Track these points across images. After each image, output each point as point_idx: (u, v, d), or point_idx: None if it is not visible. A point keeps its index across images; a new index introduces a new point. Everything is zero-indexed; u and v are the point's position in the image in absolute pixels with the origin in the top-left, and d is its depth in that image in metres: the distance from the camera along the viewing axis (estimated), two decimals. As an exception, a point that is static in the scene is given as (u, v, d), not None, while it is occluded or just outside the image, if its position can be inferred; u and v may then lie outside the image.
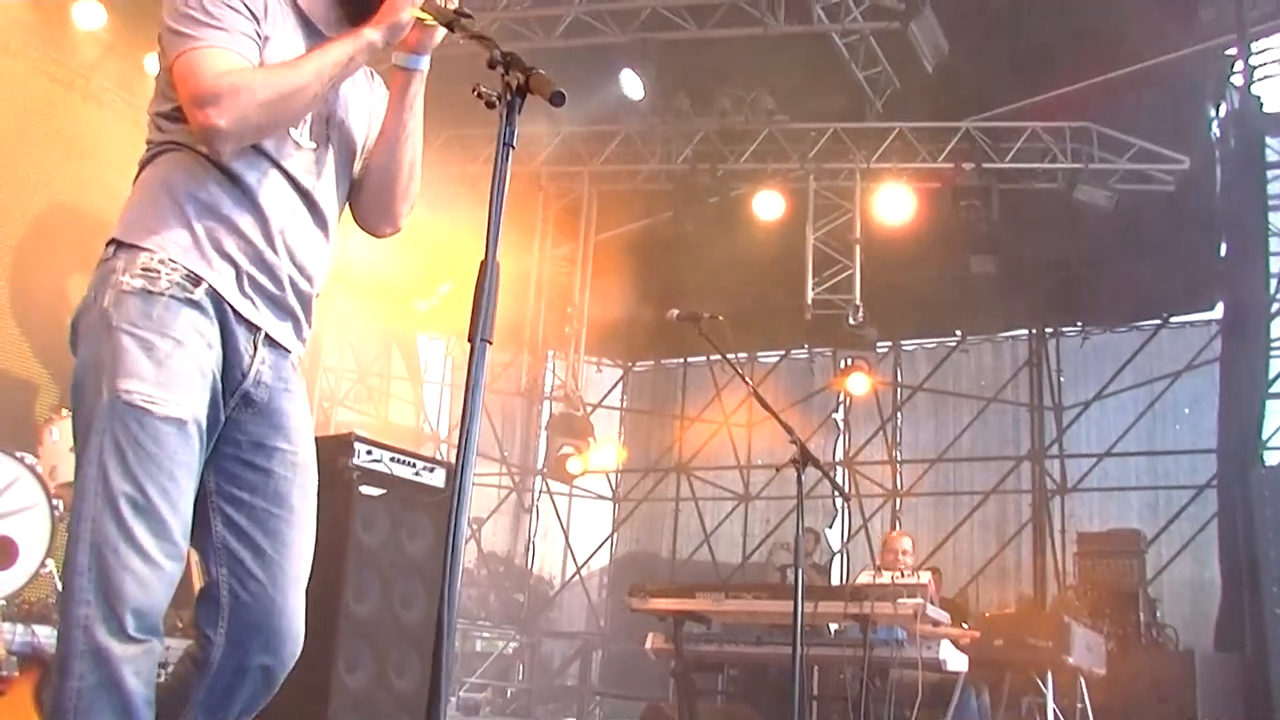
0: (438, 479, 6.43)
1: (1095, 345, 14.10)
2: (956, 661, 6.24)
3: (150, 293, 2.35)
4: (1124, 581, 10.64)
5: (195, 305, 2.38)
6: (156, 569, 2.27)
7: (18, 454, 5.54)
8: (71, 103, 9.60)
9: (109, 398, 2.29)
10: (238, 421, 2.50)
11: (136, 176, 2.55)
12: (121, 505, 2.25)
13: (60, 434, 5.93)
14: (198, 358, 2.37)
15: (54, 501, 5.57)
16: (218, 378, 2.42)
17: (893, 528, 14.04)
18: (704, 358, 15.29)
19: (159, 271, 2.36)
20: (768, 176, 11.71)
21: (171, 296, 2.36)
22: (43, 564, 5.47)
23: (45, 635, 5.11)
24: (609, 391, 16.88)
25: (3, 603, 5.06)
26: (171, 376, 2.32)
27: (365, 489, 5.98)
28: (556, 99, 2.18)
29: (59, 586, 5.52)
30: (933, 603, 6.37)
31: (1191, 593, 12.08)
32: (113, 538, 2.23)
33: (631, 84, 10.58)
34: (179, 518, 2.32)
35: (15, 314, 8.97)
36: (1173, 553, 12.41)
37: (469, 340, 2.11)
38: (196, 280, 2.39)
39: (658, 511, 16.23)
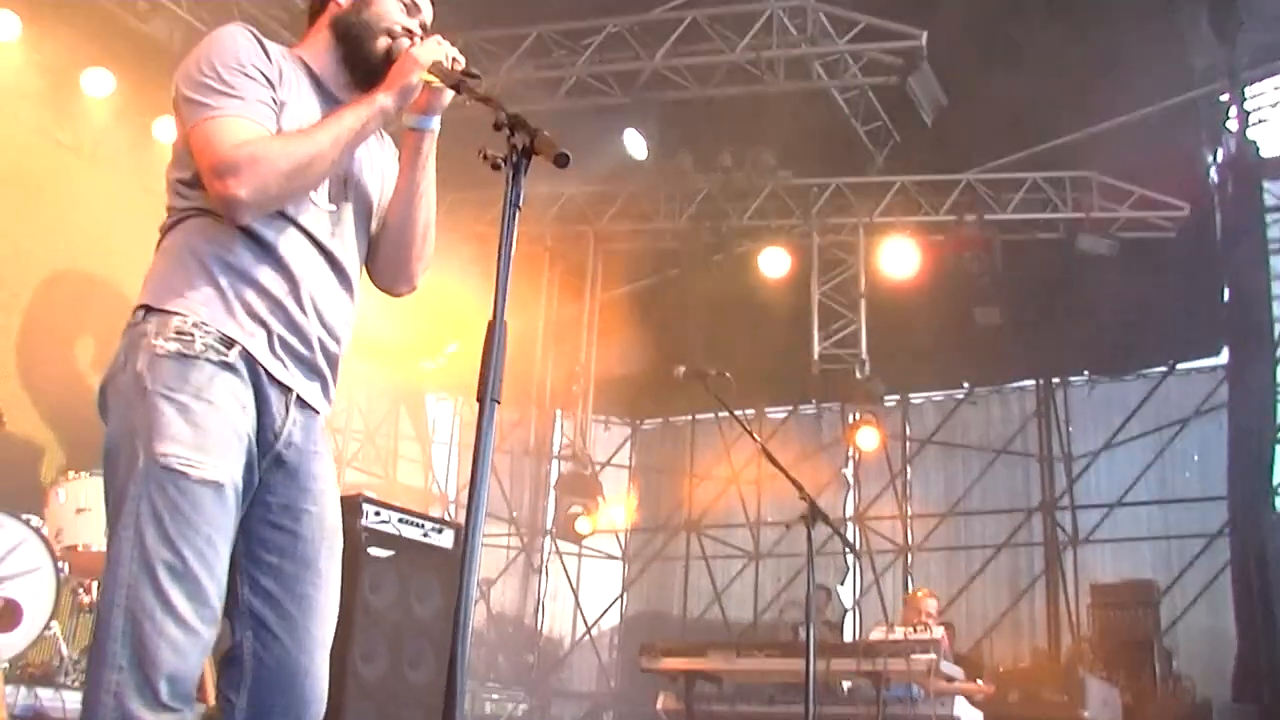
0: (446, 540, 6.41)
1: (1102, 394, 14.09)
2: (971, 718, 6.18)
3: (185, 356, 2.33)
4: (1139, 633, 10.54)
5: (229, 368, 2.37)
6: (193, 635, 2.23)
7: (23, 516, 5.53)
8: (80, 168, 9.69)
9: (145, 462, 2.27)
10: (268, 484, 2.48)
11: (160, 242, 2.55)
12: (158, 571, 2.21)
13: (66, 496, 5.91)
14: (233, 420, 2.36)
15: (59, 564, 5.55)
16: (253, 440, 2.41)
17: (905, 585, 13.97)
18: (712, 414, 15.26)
19: (193, 335, 2.35)
20: (771, 232, 11.77)
21: (206, 360, 2.34)
22: (47, 626, 5.43)
23: (48, 698, 5.08)
24: (617, 450, 16.85)
25: (6, 665, 5.03)
26: (208, 439, 2.30)
27: (374, 550, 5.96)
28: (561, 160, 2.19)
29: (63, 650, 5.52)
30: (946, 658, 6.32)
31: (1208, 642, 11.91)
32: (149, 603, 2.20)
33: (635, 143, 10.66)
34: (215, 582, 2.29)
35: (22, 377, 8.99)
36: (1187, 602, 12.31)
37: (478, 399, 2.11)
38: (229, 343, 2.38)
39: (668, 570, 16.14)
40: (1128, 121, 9.96)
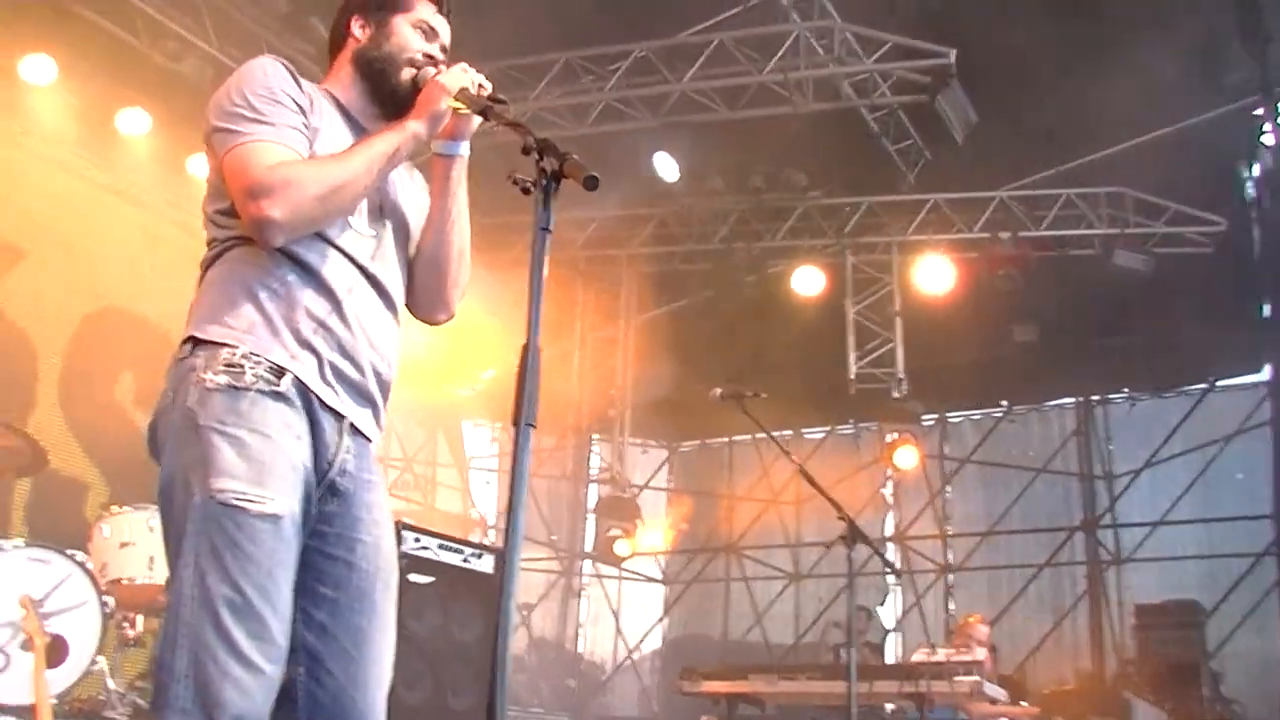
0: (486, 565, 6.43)
1: (1143, 412, 13.94)
2: (1017, 738, 6.11)
3: (236, 388, 2.31)
4: (1185, 655, 10.37)
5: (282, 398, 2.34)
6: (258, 674, 2.19)
7: (68, 551, 5.58)
8: (117, 207, 9.83)
9: (201, 498, 2.24)
10: (323, 513, 2.44)
11: (202, 275, 2.55)
12: (220, 609, 2.18)
13: (110, 531, 5.97)
14: (289, 451, 2.33)
15: (104, 599, 5.60)
16: (309, 470, 2.38)
17: (946, 605, 13.86)
18: (749, 436, 15.23)
19: (242, 366, 2.33)
20: (804, 252, 11.76)
21: (258, 391, 2.32)
22: (93, 661, 5.47)
23: (96, 733, 5.12)
24: (655, 473, 16.83)
25: (54, 701, 5.06)
26: (264, 472, 2.27)
27: (414, 576, 5.98)
28: (590, 183, 2.20)
29: (109, 684, 5.56)
30: (990, 680, 6.25)
31: (1256, 665, 11.69)
32: (211, 643, 2.16)
33: (665, 166, 10.69)
34: (279, 619, 2.25)
35: (65, 414, 9.11)
36: (1234, 623, 12.09)
37: (513, 424, 2.11)
38: (280, 372, 2.36)
39: (708, 592, 16.07)
40: (1162, 137, 9.89)
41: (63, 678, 5.31)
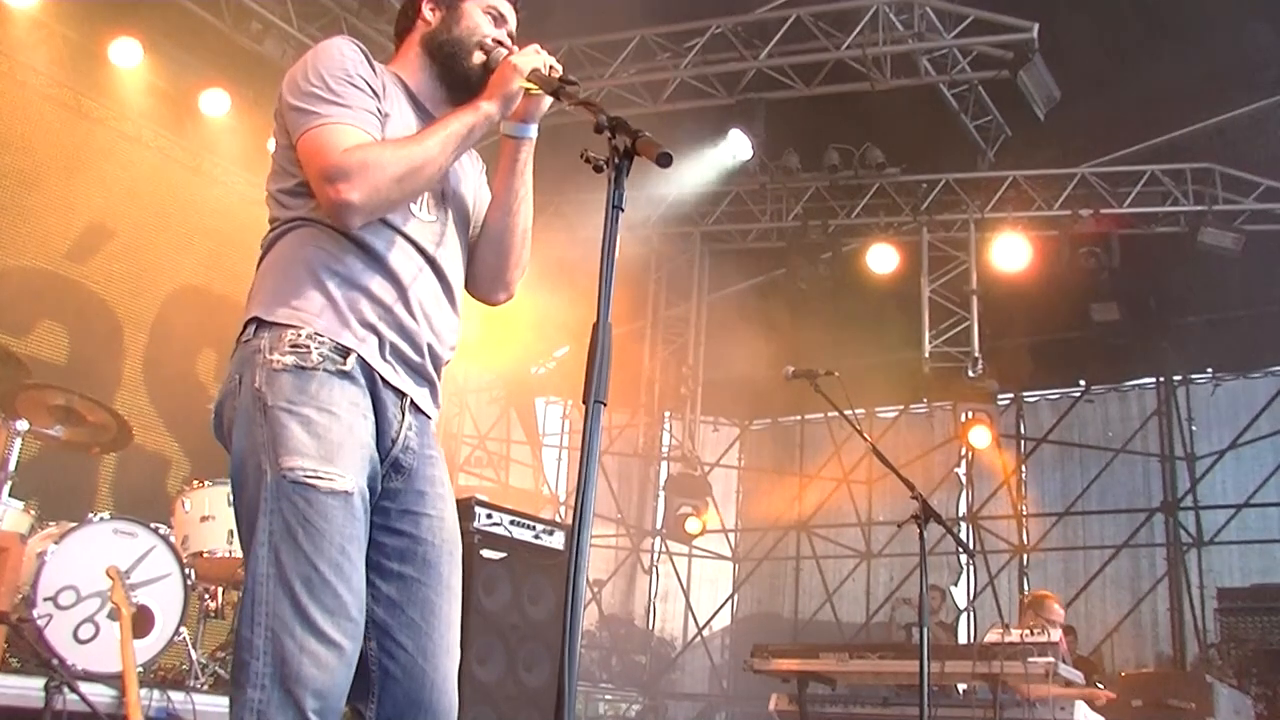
0: (557, 541, 6.46)
1: (1228, 392, 13.64)
2: (1093, 723, 6.03)
3: (303, 368, 2.34)
4: (1271, 639, 10.15)
5: (347, 376, 2.37)
6: (335, 649, 2.22)
7: (152, 525, 5.71)
8: (199, 186, 10.03)
9: (273, 477, 2.27)
10: (387, 490, 2.47)
11: (264, 255, 2.57)
12: (296, 586, 2.21)
13: (191, 505, 6.09)
14: (356, 429, 2.35)
15: (186, 570, 5.72)
16: (374, 448, 2.41)
17: (1021, 586, 13.71)
18: (821, 415, 15.16)
19: (308, 346, 2.35)
20: (880, 230, 11.65)
21: (325, 370, 2.35)
22: (177, 632, 5.60)
23: (179, 701, 5.23)
24: (726, 450, 16.82)
25: (141, 670, 5.19)
26: (333, 450, 2.29)
27: (486, 552, 6.04)
28: (663, 160, 2.18)
29: (192, 654, 5.69)
30: (1065, 661, 6.17)
31: (1344, 649, 11.47)
32: (288, 619, 2.19)
33: (740, 144, 10.64)
34: (354, 593, 2.27)
35: (149, 390, 9.33)
36: (1321, 607, 11.83)
37: (583, 402, 2.12)
38: (345, 352, 2.38)
39: (778, 571, 16.05)
40: (1253, 112, 9.63)
41: (149, 647, 5.44)
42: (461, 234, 2.71)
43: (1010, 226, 11.04)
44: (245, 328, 2.47)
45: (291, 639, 2.19)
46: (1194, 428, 13.69)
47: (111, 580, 4.62)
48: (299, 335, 2.37)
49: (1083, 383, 14.53)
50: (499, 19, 2.74)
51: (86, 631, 5.18)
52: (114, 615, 4.92)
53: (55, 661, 4.96)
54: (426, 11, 2.74)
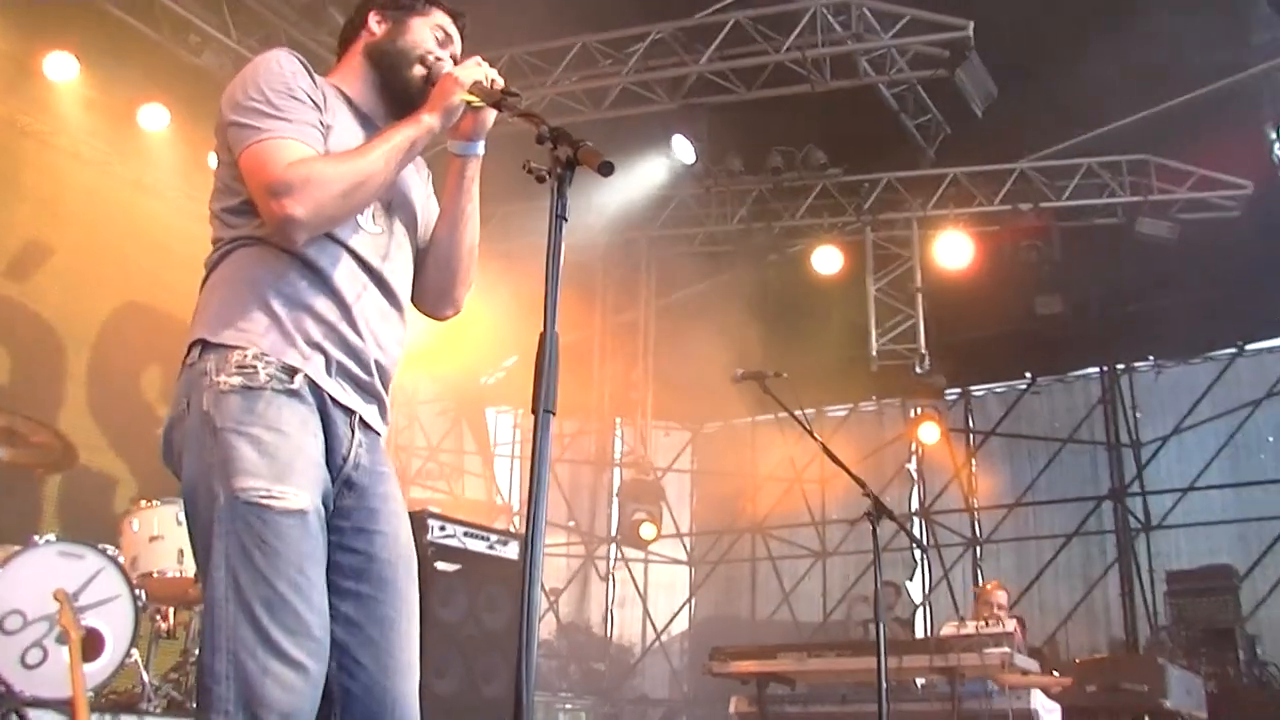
0: (512, 551, 6.46)
1: (1170, 378, 13.88)
2: (1049, 711, 6.10)
3: (250, 389, 2.32)
4: (1219, 619, 10.35)
5: (295, 395, 2.35)
6: (299, 670, 2.20)
7: (100, 546, 5.63)
8: (140, 202, 9.90)
9: (226, 499, 2.24)
10: (340, 508, 2.45)
11: (207, 275, 2.54)
12: (255, 607, 2.19)
13: (140, 525, 6.01)
14: (306, 448, 2.34)
15: (136, 591, 5.65)
16: (325, 465, 2.39)
17: (975, 578, 13.84)
18: (772, 416, 15.23)
19: (255, 367, 2.33)
20: (824, 231, 11.73)
21: (272, 390, 2.33)
22: (128, 654, 5.52)
23: (132, 725, 5.17)
24: (678, 455, 16.84)
25: (91, 694, 5.12)
26: (285, 469, 2.28)
27: (441, 565, 6.02)
28: (605, 169, 2.20)
29: (144, 677, 5.61)
30: (1020, 651, 6.25)
31: (1292, 628, 11.69)
32: (250, 642, 2.17)
33: (683, 148, 10.67)
34: (316, 612, 2.25)
35: (93, 409, 9.20)
36: (1269, 586, 12.08)
37: (532, 411, 2.12)
38: (292, 371, 2.37)
39: (735, 573, 16.11)
40: (1186, 102, 9.79)
41: (99, 671, 5.36)
42: (409, 245, 2.70)
43: (952, 224, 11.16)
44: (190, 350, 2.45)
45: (254, 661, 2.16)
46: (1138, 415, 13.91)
47: (59, 603, 4.56)
48: (245, 356, 2.35)
49: (1029, 375, 14.71)
50: (445, 40, 2.74)
51: (34, 656, 5.09)
52: (62, 639, 4.85)
53: (3, 688, 4.88)
54: (373, 23, 2.73)
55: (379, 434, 2.59)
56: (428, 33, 2.71)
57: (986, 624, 6.53)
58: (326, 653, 2.28)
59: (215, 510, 2.26)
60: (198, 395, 2.36)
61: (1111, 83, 9.56)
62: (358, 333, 2.49)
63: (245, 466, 2.26)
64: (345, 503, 2.47)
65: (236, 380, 2.33)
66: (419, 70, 2.67)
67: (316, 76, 2.59)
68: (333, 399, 2.44)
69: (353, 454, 2.47)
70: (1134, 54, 9.06)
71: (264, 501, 2.24)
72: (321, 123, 2.51)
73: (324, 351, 2.43)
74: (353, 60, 2.75)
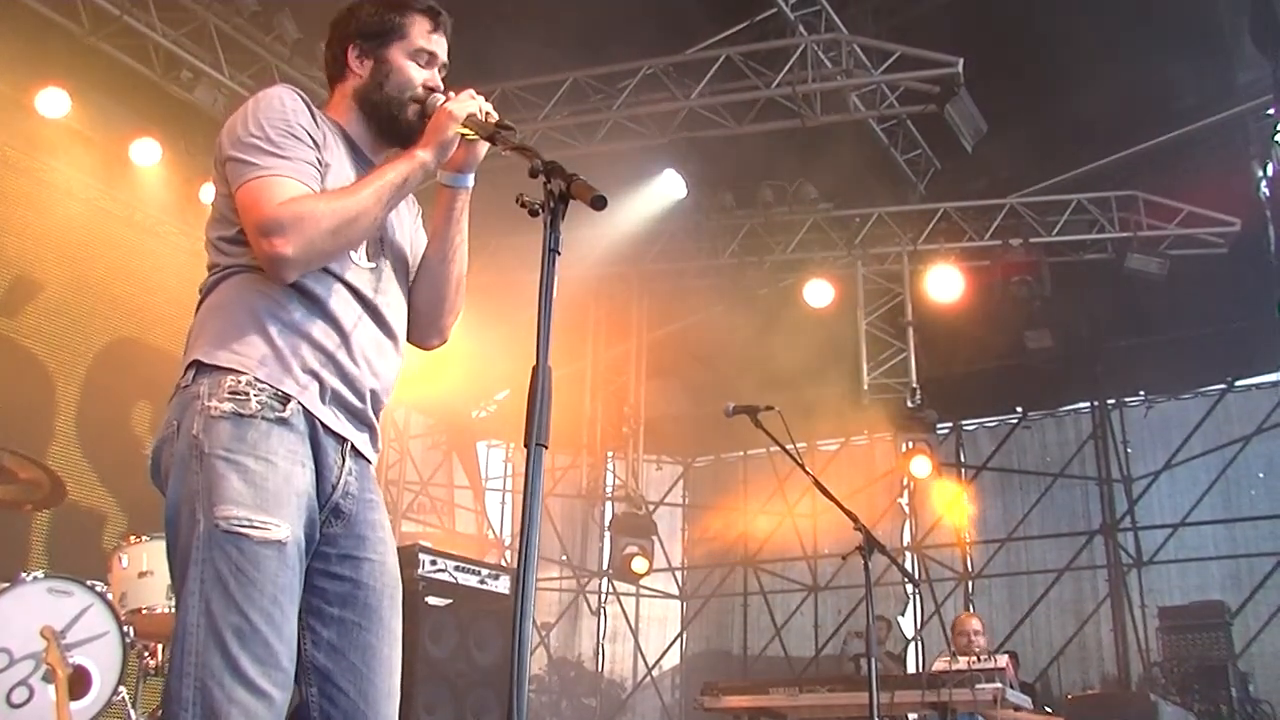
0: (503, 586, 6.42)
1: (1160, 414, 13.88)
2: (1042, 747, 6.07)
3: (241, 416, 2.32)
4: (1211, 656, 10.31)
5: (286, 424, 2.36)
6: (264, 699, 2.19)
7: (88, 582, 5.59)
8: (131, 237, 9.90)
9: (206, 526, 2.25)
10: (327, 535, 2.46)
11: (202, 299, 2.55)
12: (226, 635, 2.19)
13: (129, 561, 5.96)
14: (293, 478, 2.34)
15: (125, 628, 5.60)
16: (313, 495, 2.40)
17: (965, 609, 13.79)
18: (764, 450, 15.19)
19: (247, 394, 2.34)
20: (815, 265, 11.76)
21: (263, 418, 2.33)
22: (115, 692, 5.47)
23: (120, 763, 5.12)
24: (670, 489, 16.81)
25: (79, 733, 5.07)
26: (269, 499, 2.28)
27: (432, 599, 5.98)
28: (598, 203, 2.20)
29: (131, 715, 5.56)
30: (1012, 686, 6.22)
31: (1285, 664, 11.66)
32: (218, 670, 2.17)
33: (674, 183, 10.71)
34: (285, 644, 2.26)
35: (82, 444, 9.16)
36: (1260, 623, 12.04)
37: (525, 445, 2.12)
38: (285, 399, 2.38)
39: (727, 607, 16.04)
40: (1174, 139, 9.88)
41: (86, 709, 5.30)
42: (400, 278, 2.71)
43: (943, 258, 11.20)
44: (185, 372, 2.45)
45: (220, 689, 2.16)
46: (1129, 450, 13.90)
47: (46, 641, 4.52)
48: (239, 382, 2.36)
49: (1020, 409, 14.72)
50: (430, 59, 2.72)
51: (20, 695, 5.04)
52: (49, 677, 4.81)
53: (-12, 728, 4.84)
54: (354, 63, 2.72)
55: (369, 461, 2.60)
56: (410, 63, 2.69)
57: (978, 658, 6.50)
58: (291, 683, 2.28)
59: (195, 536, 2.26)
60: (189, 418, 2.36)
61: (1100, 120, 9.66)
62: (354, 361, 2.51)
63: (229, 495, 2.26)
64: (333, 530, 2.47)
65: (228, 406, 2.34)
66: (413, 110, 2.67)
67: (317, 113, 2.61)
68: (325, 426, 2.45)
69: (342, 481, 2.48)
70: (1122, 91, 9.15)
71: (244, 531, 2.24)
72: (319, 160, 2.52)
73: (320, 379, 2.45)
74: (344, 102, 2.74)
